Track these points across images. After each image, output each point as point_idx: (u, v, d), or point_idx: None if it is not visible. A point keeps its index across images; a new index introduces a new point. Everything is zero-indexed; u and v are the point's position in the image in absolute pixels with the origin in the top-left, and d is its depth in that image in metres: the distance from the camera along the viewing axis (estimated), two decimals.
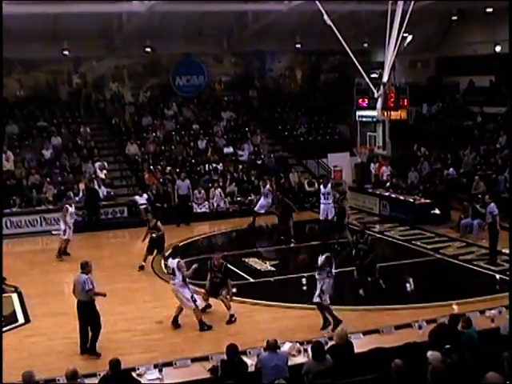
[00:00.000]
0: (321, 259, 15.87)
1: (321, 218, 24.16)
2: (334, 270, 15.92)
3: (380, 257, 19.87)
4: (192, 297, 16.00)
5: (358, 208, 29.35)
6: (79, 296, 14.73)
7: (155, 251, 21.27)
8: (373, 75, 30.76)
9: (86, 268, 15.00)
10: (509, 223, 21.93)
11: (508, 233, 20.52)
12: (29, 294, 18.54)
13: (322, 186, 24.36)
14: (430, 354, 10.22)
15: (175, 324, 16.32)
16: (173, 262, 16.15)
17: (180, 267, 15.97)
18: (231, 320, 16.41)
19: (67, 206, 23.42)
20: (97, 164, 29.59)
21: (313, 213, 27.54)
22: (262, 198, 26.94)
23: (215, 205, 28.17)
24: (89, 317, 14.67)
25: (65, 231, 22.97)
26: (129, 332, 15.95)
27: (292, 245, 23.74)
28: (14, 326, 16.43)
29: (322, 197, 24.13)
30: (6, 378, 11.78)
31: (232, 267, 20.55)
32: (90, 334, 14.68)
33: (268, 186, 26.82)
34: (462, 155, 30.74)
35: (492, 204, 21.33)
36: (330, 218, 23.74)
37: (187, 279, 16.06)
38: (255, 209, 26.68)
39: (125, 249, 24.85)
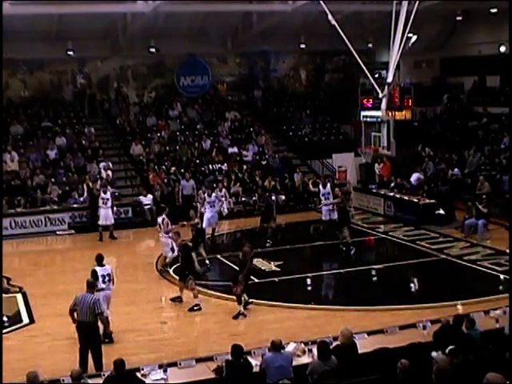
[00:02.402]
0: None
1: (323, 218, 24.11)
2: None
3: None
4: (172, 248, 20.25)
5: (363, 208, 29.36)
6: (81, 316, 13.40)
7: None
8: (377, 75, 30.77)
9: (93, 287, 13.84)
10: (509, 223, 21.92)
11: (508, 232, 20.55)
12: (33, 294, 18.55)
13: (321, 187, 24.30)
14: (435, 354, 10.21)
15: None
16: (159, 219, 20.86)
17: (162, 223, 20.57)
18: (193, 308, 17.24)
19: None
20: (101, 164, 29.59)
21: (317, 213, 27.46)
22: (207, 210, 23.93)
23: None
24: (92, 338, 13.56)
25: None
26: (133, 332, 15.95)
27: (268, 245, 23.59)
28: (18, 326, 16.43)
29: (322, 198, 24.09)
30: (11, 378, 11.81)
31: (237, 267, 20.75)
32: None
33: (218, 192, 25.67)
34: (466, 155, 30.71)
35: None
36: (334, 218, 23.71)
37: (169, 233, 20.11)
38: (204, 226, 23.28)
39: (129, 249, 24.87)
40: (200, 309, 17.22)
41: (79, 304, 13.43)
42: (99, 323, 13.76)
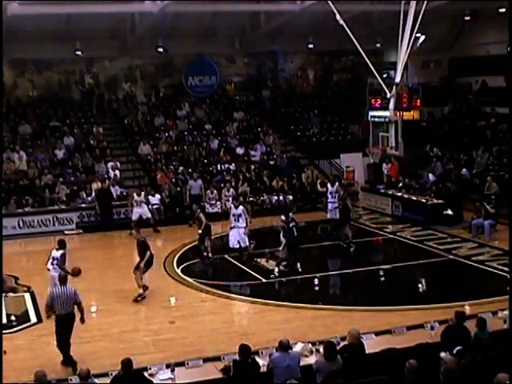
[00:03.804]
0: None
1: (328, 216, 24.13)
2: None
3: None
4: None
5: (371, 208, 29.33)
6: (62, 310, 13.85)
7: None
8: (385, 75, 30.74)
9: (66, 280, 14.27)
10: (509, 223, 21.88)
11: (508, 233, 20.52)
12: (41, 293, 18.50)
13: (329, 185, 24.34)
14: (443, 354, 10.19)
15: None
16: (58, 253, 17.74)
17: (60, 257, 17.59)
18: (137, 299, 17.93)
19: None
20: (109, 164, 29.64)
21: (325, 213, 27.41)
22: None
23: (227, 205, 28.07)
24: (70, 327, 14.01)
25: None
26: (141, 332, 15.97)
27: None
28: (26, 325, 16.45)
29: (329, 196, 24.10)
30: (19, 378, 11.85)
31: (244, 267, 20.78)
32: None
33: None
34: (474, 156, 30.65)
35: None
36: (338, 217, 23.74)
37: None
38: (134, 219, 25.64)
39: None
40: (144, 297, 18.07)
41: (58, 298, 13.87)
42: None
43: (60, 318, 13.94)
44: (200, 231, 21.61)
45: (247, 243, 21.16)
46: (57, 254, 17.27)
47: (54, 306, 13.97)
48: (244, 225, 20.97)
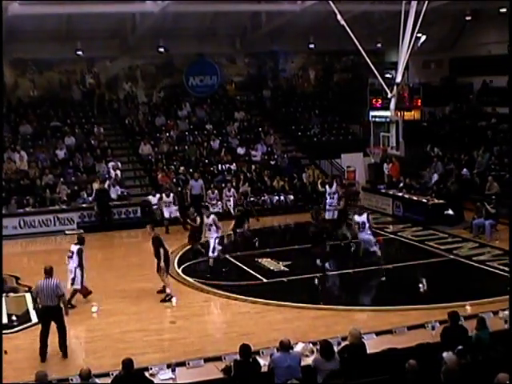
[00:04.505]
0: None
1: (326, 217, 24.13)
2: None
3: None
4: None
5: (371, 208, 29.24)
6: (47, 301, 14.24)
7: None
8: (386, 75, 30.73)
9: (51, 273, 14.46)
10: (509, 223, 21.89)
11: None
12: None
13: (327, 186, 24.37)
14: (445, 354, 10.20)
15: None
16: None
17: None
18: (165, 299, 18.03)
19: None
20: (110, 164, 29.64)
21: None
22: None
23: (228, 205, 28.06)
24: (57, 321, 14.31)
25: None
26: (141, 332, 15.97)
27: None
28: (27, 325, 16.44)
29: (327, 197, 24.12)
30: (20, 378, 11.85)
31: (245, 267, 20.79)
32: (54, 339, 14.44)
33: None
34: (475, 156, 30.65)
35: None
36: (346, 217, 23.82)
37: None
38: None
39: (138, 249, 24.82)
40: (172, 297, 17.98)
41: (42, 290, 14.20)
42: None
43: (43, 309, 14.41)
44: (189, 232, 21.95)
45: (215, 254, 20.32)
46: (75, 248, 17.65)
47: (39, 298, 14.45)
48: (215, 235, 20.37)
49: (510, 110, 29.98)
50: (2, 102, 30.82)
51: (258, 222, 25.13)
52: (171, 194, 26.42)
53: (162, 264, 18.13)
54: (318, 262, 20.23)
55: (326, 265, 20.32)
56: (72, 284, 17.39)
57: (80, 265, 17.48)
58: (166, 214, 26.18)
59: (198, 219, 21.99)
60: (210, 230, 20.54)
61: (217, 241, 20.39)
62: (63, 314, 14.44)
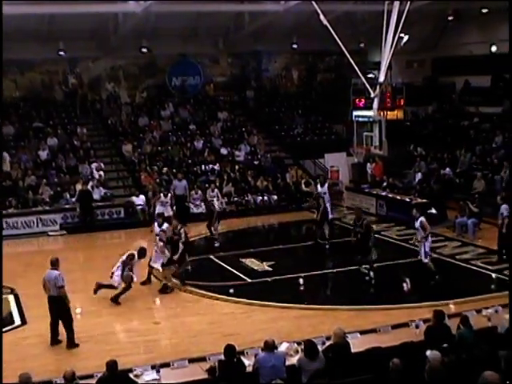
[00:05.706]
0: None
1: (317, 218, 24.15)
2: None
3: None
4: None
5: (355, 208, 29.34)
6: (50, 291, 15.04)
7: None
8: (369, 75, 30.79)
9: (56, 265, 15.22)
10: (509, 223, 21.95)
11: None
12: (25, 295, 18.47)
13: (319, 186, 24.35)
14: (429, 353, 10.22)
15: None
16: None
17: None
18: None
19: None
20: (93, 165, 29.54)
21: (310, 213, 27.44)
22: None
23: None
24: (60, 311, 14.96)
25: None
26: (126, 333, 15.95)
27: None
28: (10, 327, 16.36)
29: (324, 196, 24.10)
30: (3, 380, 11.76)
31: (229, 267, 20.78)
32: (61, 327, 15.14)
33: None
34: (458, 155, 30.79)
35: (503, 205, 21.21)
36: (329, 217, 23.80)
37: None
38: None
39: (120, 250, 24.69)
40: (172, 290, 18.76)
41: (47, 280, 15.11)
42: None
43: (49, 298, 15.13)
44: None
45: (157, 265, 19.60)
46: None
47: (46, 288, 15.21)
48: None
49: (510, 110, 30.17)
50: (2, 102, 30.70)
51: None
52: (169, 195, 26.11)
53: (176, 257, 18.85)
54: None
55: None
56: None
57: None
58: (158, 211, 25.81)
59: (183, 231, 19.83)
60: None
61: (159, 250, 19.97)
62: (65, 304, 14.96)
